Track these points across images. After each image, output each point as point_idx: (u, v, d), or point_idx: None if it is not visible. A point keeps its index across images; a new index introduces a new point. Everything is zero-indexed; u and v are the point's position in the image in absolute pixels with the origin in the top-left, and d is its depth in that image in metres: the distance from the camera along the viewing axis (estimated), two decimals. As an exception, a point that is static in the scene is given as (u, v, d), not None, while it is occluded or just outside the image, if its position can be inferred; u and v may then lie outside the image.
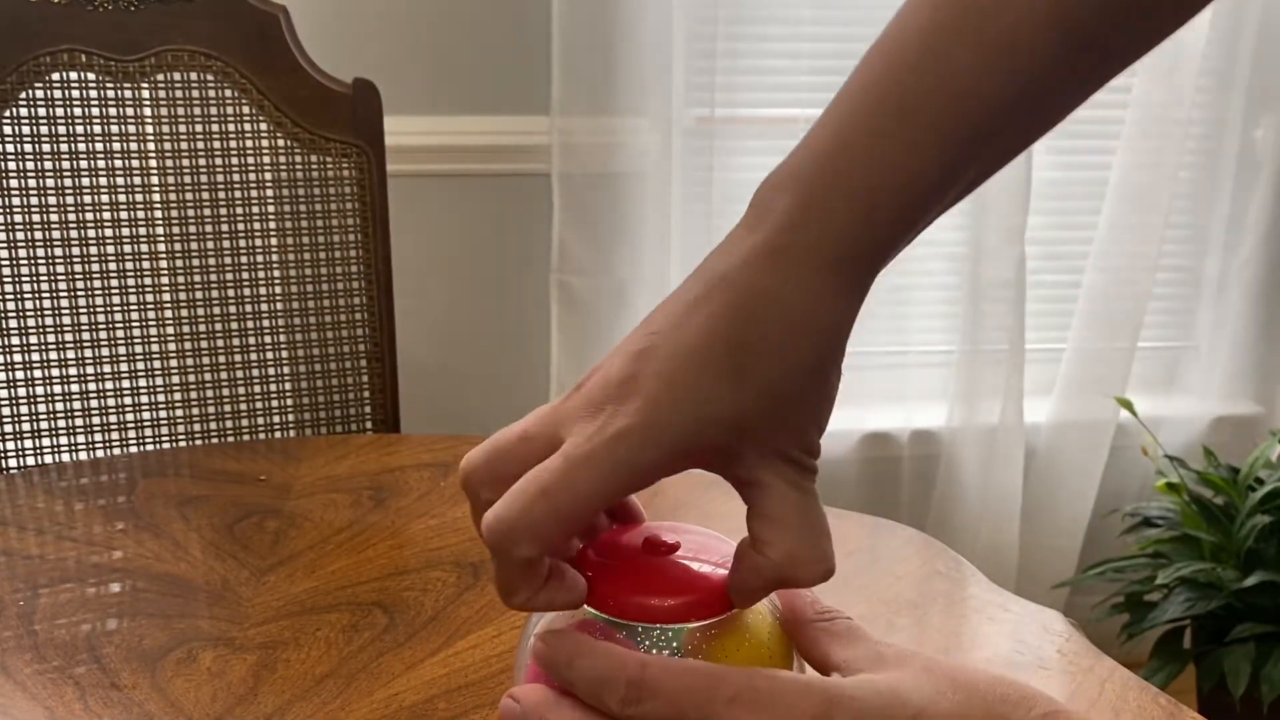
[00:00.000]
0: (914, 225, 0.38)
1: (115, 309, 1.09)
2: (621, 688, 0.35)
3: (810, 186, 0.37)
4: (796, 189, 0.37)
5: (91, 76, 1.07)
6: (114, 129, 1.08)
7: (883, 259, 0.38)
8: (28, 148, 1.06)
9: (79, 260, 1.08)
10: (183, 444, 1.13)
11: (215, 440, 1.14)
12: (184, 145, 1.11)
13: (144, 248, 1.10)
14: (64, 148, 1.07)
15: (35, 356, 1.07)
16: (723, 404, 0.36)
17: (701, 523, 0.43)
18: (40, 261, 1.07)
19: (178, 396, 1.12)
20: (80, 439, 1.09)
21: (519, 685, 0.42)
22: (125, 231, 1.09)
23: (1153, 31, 0.38)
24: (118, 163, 1.09)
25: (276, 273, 1.14)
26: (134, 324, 1.10)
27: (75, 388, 1.08)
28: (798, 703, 0.34)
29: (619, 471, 0.36)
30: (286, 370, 1.15)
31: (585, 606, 0.40)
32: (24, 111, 1.06)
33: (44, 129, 1.06)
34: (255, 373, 1.15)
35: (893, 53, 0.37)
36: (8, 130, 1.05)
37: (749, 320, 0.36)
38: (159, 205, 1.10)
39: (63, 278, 1.08)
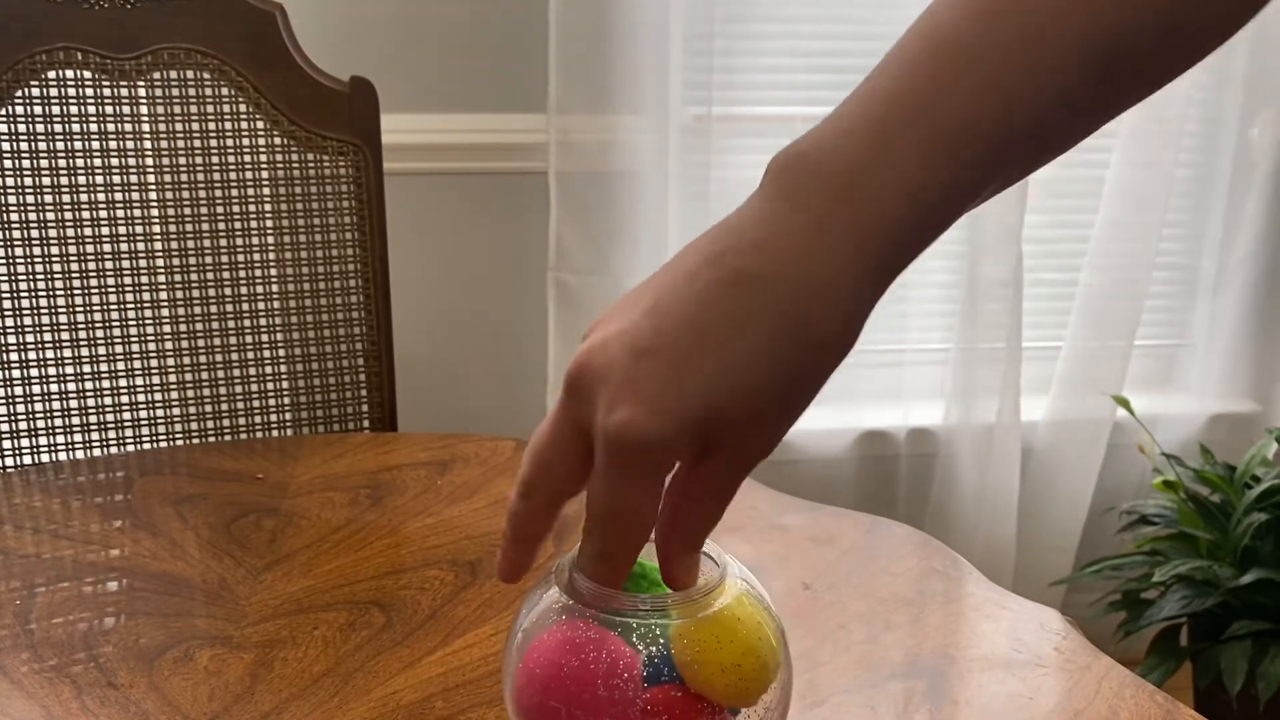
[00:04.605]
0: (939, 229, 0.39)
1: (111, 307, 1.09)
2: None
3: (854, 183, 0.37)
4: (837, 182, 0.37)
5: (87, 74, 1.07)
6: (110, 127, 1.08)
7: (903, 263, 0.39)
8: (23, 146, 1.06)
9: (75, 258, 1.08)
10: (180, 442, 1.12)
11: (212, 439, 1.14)
12: (180, 144, 1.10)
13: (140, 246, 1.10)
14: (60, 146, 1.07)
15: (31, 355, 1.07)
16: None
17: None
18: (36, 260, 1.07)
19: (174, 395, 1.12)
20: (77, 437, 1.09)
21: (508, 686, 0.42)
22: (121, 230, 1.09)
23: (1176, 63, 0.40)
24: (114, 161, 1.08)
25: (273, 271, 1.14)
26: (130, 322, 1.10)
27: (72, 386, 1.08)
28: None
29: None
30: (283, 369, 1.15)
31: (570, 600, 0.40)
32: (20, 110, 1.05)
33: (40, 127, 1.06)
34: (252, 371, 1.15)
35: (929, 48, 0.38)
36: (3, 128, 1.05)
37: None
38: (155, 203, 1.10)
39: (59, 276, 1.07)
